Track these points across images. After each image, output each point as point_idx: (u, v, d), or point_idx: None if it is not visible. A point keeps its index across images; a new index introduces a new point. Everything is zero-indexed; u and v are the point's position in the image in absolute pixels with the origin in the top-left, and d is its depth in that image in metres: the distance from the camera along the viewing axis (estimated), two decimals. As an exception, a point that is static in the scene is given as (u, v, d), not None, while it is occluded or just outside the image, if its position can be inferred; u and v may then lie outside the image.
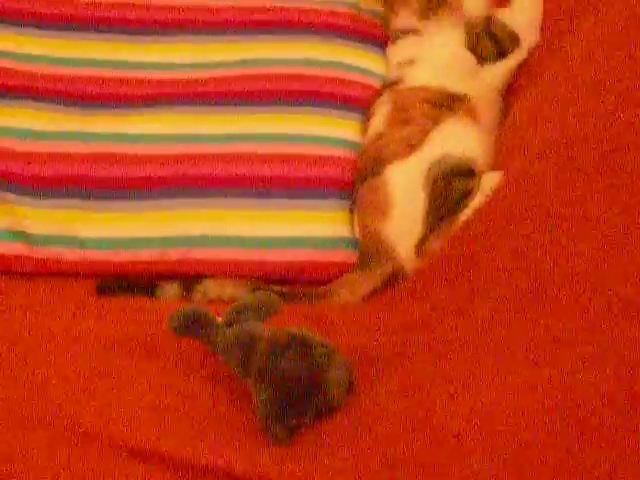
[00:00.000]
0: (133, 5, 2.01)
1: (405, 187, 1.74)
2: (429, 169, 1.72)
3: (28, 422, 1.34)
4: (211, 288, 1.73)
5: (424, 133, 1.76)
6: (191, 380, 1.43)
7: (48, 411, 1.35)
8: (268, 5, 2.01)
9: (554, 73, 1.71)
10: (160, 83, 1.91)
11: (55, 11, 1.99)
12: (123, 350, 1.49)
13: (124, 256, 1.78)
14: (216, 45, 1.96)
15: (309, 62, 1.92)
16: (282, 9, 2.00)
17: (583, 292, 1.26)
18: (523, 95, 1.79)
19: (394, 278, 1.71)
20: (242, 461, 1.25)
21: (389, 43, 1.95)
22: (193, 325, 1.43)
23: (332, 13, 1.99)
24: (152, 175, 1.81)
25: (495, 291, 1.39)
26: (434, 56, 1.86)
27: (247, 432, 1.33)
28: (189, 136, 1.85)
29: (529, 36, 1.84)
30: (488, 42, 1.84)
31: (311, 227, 1.78)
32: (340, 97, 1.88)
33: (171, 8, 2.01)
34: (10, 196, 1.80)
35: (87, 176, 1.81)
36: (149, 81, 1.92)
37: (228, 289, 1.73)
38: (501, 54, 1.85)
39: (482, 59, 1.85)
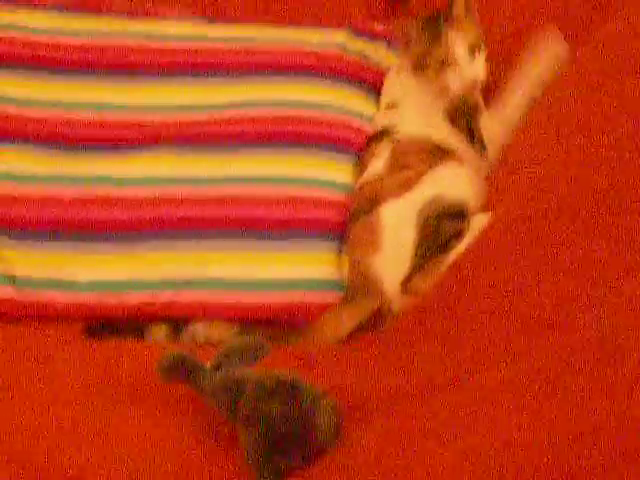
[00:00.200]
0: (128, 48, 2.02)
1: (396, 225, 1.76)
2: (421, 209, 1.75)
3: (12, 466, 1.33)
4: (199, 331, 1.73)
5: (419, 175, 1.78)
6: (179, 424, 1.42)
7: (33, 455, 1.35)
8: (260, 48, 2.02)
9: (542, 116, 1.72)
10: (152, 125, 1.92)
11: (46, 54, 1.99)
12: (111, 394, 1.48)
13: (113, 299, 1.78)
14: (207, 87, 1.97)
15: (301, 104, 1.93)
16: (273, 51, 2.01)
17: (568, 336, 1.26)
18: (515, 137, 1.81)
19: (379, 314, 1.73)
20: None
21: (394, 71, 1.96)
22: (181, 369, 1.42)
23: (321, 55, 2.00)
24: (142, 218, 1.81)
25: (481, 334, 1.39)
26: (420, 107, 1.87)
27: (236, 476, 1.32)
28: (180, 178, 1.86)
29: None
30: (467, 131, 1.86)
31: (301, 269, 1.79)
32: (332, 140, 1.89)
33: (165, 51, 2.02)
34: (-2, 239, 1.81)
35: (76, 219, 1.82)
36: (141, 123, 1.92)
37: (216, 331, 1.73)
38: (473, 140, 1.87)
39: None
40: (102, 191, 1.84)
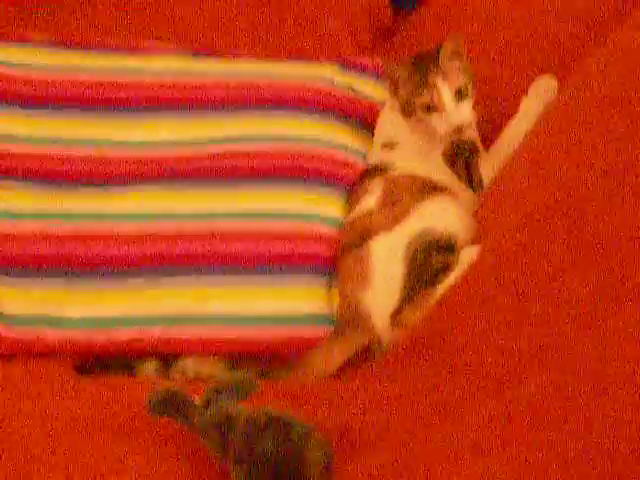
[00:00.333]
0: (118, 84, 2.02)
1: (386, 258, 1.76)
2: (410, 242, 1.75)
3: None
4: (189, 366, 1.73)
5: (408, 208, 1.78)
6: (169, 460, 1.42)
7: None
8: (248, 82, 2.02)
9: (529, 149, 1.73)
10: (144, 161, 1.92)
11: (39, 91, 1.99)
12: (101, 431, 1.48)
13: (104, 335, 1.77)
14: (199, 122, 1.97)
15: (290, 139, 1.93)
16: (262, 86, 2.01)
17: (557, 370, 1.26)
18: (503, 170, 1.81)
19: (368, 348, 1.74)
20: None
21: (387, 108, 1.96)
22: (171, 406, 1.42)
23: (309, 89, 2.01)
24: (132, 254, 1.81)
25: (470, 368, 1.39)
26: (414, 146, 1.88)
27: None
28: (171, 214, 1.86)
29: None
30: (464, 170, 1.87)
31: (291, 304, 1.79)
32: (321, 174, 1.89)
33: (154, 86, 2.02)
34: (-12, 275, 1.80)
35: (68, 255, 1.81)
36: (133, 159, 1.92)
37: (206, 367, 1.73)
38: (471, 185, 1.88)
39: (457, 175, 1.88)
40: (99, 227, 1.84)
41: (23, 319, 1.77)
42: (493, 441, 1.24)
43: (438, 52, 1.83)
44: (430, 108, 1.82)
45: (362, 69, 2.09)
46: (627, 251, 1.30)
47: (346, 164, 1.92)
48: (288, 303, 1.79)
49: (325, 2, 2.31)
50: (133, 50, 2.08)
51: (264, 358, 1.76)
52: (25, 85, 1.99)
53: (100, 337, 1.77)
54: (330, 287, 1.81)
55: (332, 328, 1.76)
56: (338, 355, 1.73)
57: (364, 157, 1.95)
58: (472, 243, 1.74)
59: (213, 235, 1.82)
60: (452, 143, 1.86)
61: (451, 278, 1.68)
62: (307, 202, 1.87)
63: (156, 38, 2.18)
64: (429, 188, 1.82)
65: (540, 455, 1.17)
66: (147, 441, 1.45)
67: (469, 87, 1.83)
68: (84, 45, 2.08)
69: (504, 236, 1.55)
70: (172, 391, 1.43)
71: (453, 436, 1.30)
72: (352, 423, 1.44)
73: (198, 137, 1.95)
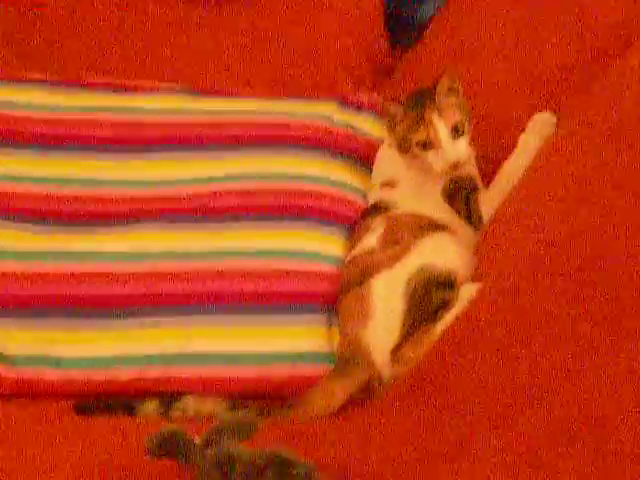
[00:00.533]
0: (117, 124, 2.02)
1: (386, 294, 1.76)
2: (409, 278, 1.75)
3: None
4: (190, 405, 1.72)
5: (408, 245, 1.79)
6: (170, 501, 1.41)
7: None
8: (248, 121, 2.03)
9: (527, 185, 1.73)
10: (142, 200, 1.92)
11: (35, 130, 2.00)
12: (102, 472, 1.47)
13: (103, 375, 1.77)
14: (198, 161, 1.98)
15: (289, 177, 1.94)
16: (261, 124, 2.02)
17: (558, 407, 1.26)
18: (502, 207, 1.82)
19: (369, 385, 1.73)
20: None
21: (385, 146, 1.97)
22: (171, 445, 1.41)
23: (308, 127, 2.02)
24: (132, 293, 1.81)
25: (470, 406, 1.39)
26: (413, 184, 1.89)
27: None
28: (170, 253, 1.86)
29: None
30: (464, 206, 1.87)
31: (292, 342, 1.79)
32: (321, 212, 1.90)
33: (154, 125, 2.03)
34: (-13, 317, 1.80)
35: (66, 295, 1.81)
36: (131, 198, 1.93)
37: (207, 406, 1.72)
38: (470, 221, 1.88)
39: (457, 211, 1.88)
40: (99, 266, 1.84)
41: (23, 359, 1.77)
42: (500, 478, 1.24)
43: (434, 88, 1.84)
44: (427, 145, 1.83)
45: (360, 106, 2.10)
46: (630, 289, 1.30)
47: (346, 201, 1.93)
48: (288, 341, 1.78)
49: (323, 39, 2.33)
50: (132, 90, 2.09)
51: (265, 397, 1.75)
52: (23, 124, 2.00)
53: (100, 377, 1.77)
54: (330, 325, 1.81)
55: (332, 366, 1.76)
56: (339, 393, 1.72)
57: (363, 195, 1.96)
58: (472, 280, 1.74)
59: (213, 274, 1.82)
60: (451, 180, 1.87)
61: (451, 315, 1.68)
62: (307, 240, 1.87)
63: (155, 78, 2.19)
64: (429, 226, 1.82)
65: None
66: (147, 482, 1.45)
67: (465, 123, 1.84)
68: (83, 85, 2.09)
69: (504, 273, 1.55)
70: (173, 431, 1.42)
71: (455, 475, 1.30)
72: (353, 462, 1.43)
73: (198, 176, 1.95)
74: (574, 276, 1.40)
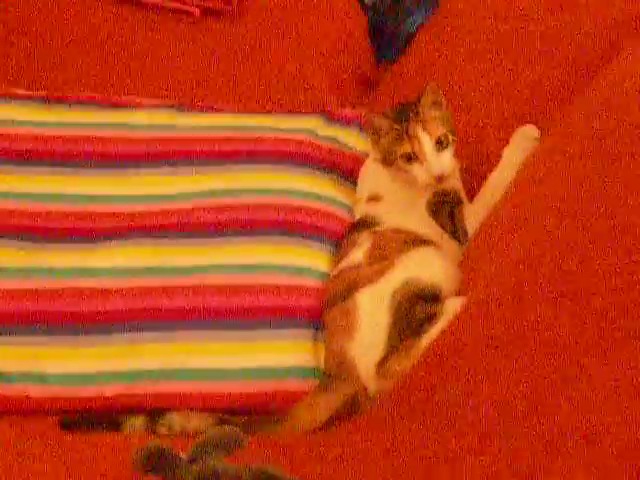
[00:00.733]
0: (102, 139, 2.02)
1: (371, 309, 1.76)
2: (394, 292, 1.76)
3: None
4: (176, 421, 1.71)
5: (394, 260, 1.79)
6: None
7: None
8: (233, 136, 2.03)
9: (512, 198, 1.74)
10: (127, 216, 1.92)
11: (19, 146, 1.99)
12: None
13: (89, 391, 1.76)
14: (184, 177, 1.98)
15: (275, 192, 1.94)
16: (246, 139, 2.02)
17: (545, 422, 1.26)
18: (486, 219, 1.82)
19: (355, 400, 1.73)
20: None
21: (370, 160, 1.97)
22: (157, 462, 1.41)
23: (294, 142, 2.02)
24: (117, 309, 1.81)
25: (456, 421, 1.39)
26: (398, 198, 1.89)
27: None
28: (156, 269, 1.85)
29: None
30: (448, 221, 1.88)
31: (277, 357, 1.78)
32: (306, 227, 1.90)
33: (139, 140, 2.03)
34: (-28, 334, 1.79)
35: (52, 312, 1.81)
36: (117, 214, 1.92)
37: (193, 421, 1.71)
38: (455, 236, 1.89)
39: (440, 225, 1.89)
40: (83, 282, 1.83)
41: (8, 376, 1.76)
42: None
43: (419, 102, 1.85)
44: (411, 158, 1.83)
45: (346, 121, 2.10)
46: (613, 301, 1.30)
47: (331, 216, 1.93)
48: (274, 356, 1.78)
49: (308, 55, 2.34)
50: (117, 105, 2.09)
51: (250, 412, 1.75)
52: (9, 141, 2.00)
53: (85, 393, 1.76)
54: (316, 340, 1.81)
55: (318, 381, 1.76)
56: (325, 408, 1.72)
57: (349, 209, 1.97)
58: (457, 294, 1.74)
59: (199, 289, 1.82)
60: (435, 194, 1.87)
61: (436, 329, 1.68)
62: (294, 255, 1.87)
63: (141, 93, 2.19)
64: (414, 241, 1.82)
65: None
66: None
67: (449, 136, 1.85)
68: (69, 100, 2.09)
69: (489, 287, 1.55)
70: (158, 447, 1.42)
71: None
72: (339, 477, 1.43)
73: (183, 191, 1.95)
74: (558, 289, 1.40)
